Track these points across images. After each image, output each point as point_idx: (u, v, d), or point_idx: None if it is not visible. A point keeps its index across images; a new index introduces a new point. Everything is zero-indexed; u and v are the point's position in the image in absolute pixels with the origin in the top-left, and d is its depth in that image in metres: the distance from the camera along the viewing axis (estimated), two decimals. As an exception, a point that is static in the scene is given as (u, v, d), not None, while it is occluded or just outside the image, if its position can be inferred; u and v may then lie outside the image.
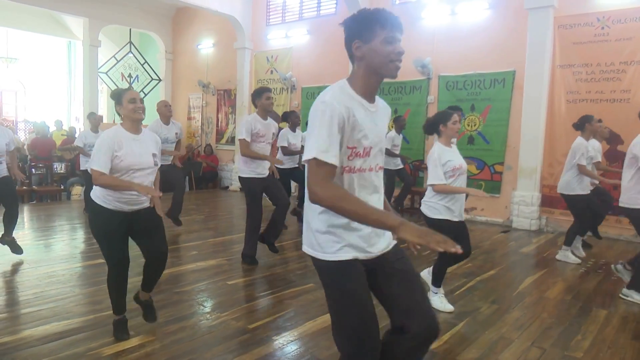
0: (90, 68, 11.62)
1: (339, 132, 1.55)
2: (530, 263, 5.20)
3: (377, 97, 1.72)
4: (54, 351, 2.69)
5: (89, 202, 2.88)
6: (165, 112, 5.75)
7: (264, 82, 10.75)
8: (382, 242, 1.73)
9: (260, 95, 4.43)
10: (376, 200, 1.73)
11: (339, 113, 1.54)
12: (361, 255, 1.68)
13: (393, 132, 7.21)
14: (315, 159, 1.51)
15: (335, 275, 1.68)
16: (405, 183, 7.58)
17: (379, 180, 1.75)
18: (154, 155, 2.84)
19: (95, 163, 2.65)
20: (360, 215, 1.50)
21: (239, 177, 4.62)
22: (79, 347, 2.75)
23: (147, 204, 2.84)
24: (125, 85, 11.98)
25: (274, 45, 10.52)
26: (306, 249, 1.74)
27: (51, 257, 4.81)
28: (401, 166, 7.49)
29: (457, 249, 1.35)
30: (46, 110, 15.19)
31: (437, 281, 3.56)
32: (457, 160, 3.39)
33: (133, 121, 2.78)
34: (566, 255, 5.13)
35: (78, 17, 11.72)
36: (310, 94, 9.83)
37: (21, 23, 12.82)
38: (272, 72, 10.56)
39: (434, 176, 3.32)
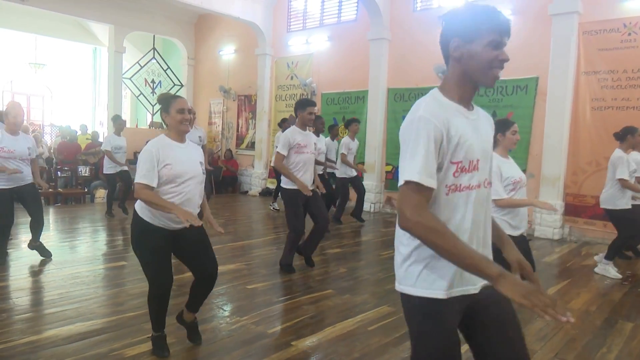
0: (115, 74, 11.89)
1: (437, 150, 1.36)
2: (553, 273, 5.10)
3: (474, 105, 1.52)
4: (78, 351, 2.74)
5: (134, 217, 2.67)
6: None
7: (284, 88, 10.84)
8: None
9: (304, 108, 4.36)
10: (482, 222, 1.48)
11: (434, 127, 1.35)
12: (457, 291, 1.43)
13: (347, 138, 7.17)
14: (415, 182, 1.32)
15: (423, 316, 1.45)
16: (358, 193, 7.50)
17: (486, 198, 1.50)
18: (201, 163, 2.71)
19: (139, 176, 2.51)
20: (453, 255, 1.28)
21: (281, 187, 4.55)
22: (102, 347, 2.80)
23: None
24: (148, 91, 12.21)
25: (295, 52, 10.59)
26: (396, 285, 1.51)
27: (75, 258, 4.91)
28: (355, 174, 7.36)
29: (569, 318, 1.15)
30: (72, 114, 15.57)
31: None
32: (516, 173, 3.22)
33: (179, 132, 2.64)
34: (606, 270, 4.90)
35: (104, 24, 12.03)
36: (330, 100, 9.86)
37: (49, 30, 13.20)
38: (292, 78, 10.63)
39: (494, 191, 3.06)
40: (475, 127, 1.46)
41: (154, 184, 2.52)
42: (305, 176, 4.42)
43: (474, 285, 1.45)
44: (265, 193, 10.74)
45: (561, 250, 6.16)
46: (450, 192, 1.41)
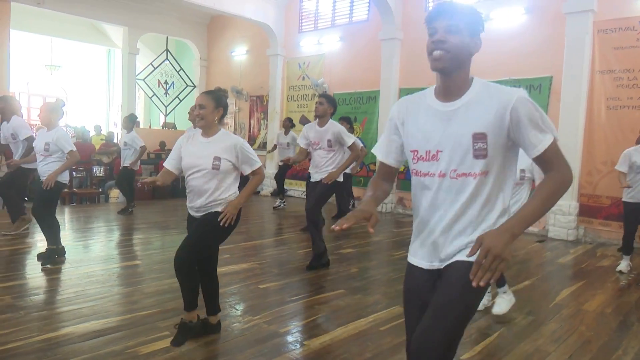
0: (129, 75, 12.03)
1: (394, 133, 1.68)
2: (567, 274, 5.05)
3: (474, 91, 1.51)
4: (94, 348, 2.78)
5: None
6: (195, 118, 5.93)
7: (295, 89, 10.86)
8: (434, 255, 1.61)
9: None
10: (447, 207, 1.54)
11: (391, 117, 1.68)
12: (416, 261, 1.65)
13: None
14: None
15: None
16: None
17: (456, 188, 1.52)
18: (216, 158, 2.75)
19: (167, 160, 2.94)
20: None
21: None
22: (117, 345, 2.84)
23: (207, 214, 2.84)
24: (161, 92, 12.32)
25: (306, 52, 10.62)
26: None
27: (90, 257, 4.97)
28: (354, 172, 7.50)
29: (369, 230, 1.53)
30: (86, 115, 15.77)
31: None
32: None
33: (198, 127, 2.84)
34: None
35: (118, 26, 12.18)
36: (342, 100, 9.85)
37: (65, 32, 13.40)
38: (304, 78, 10.66)
39: None
40: (447, 118, 1.53)
41: (170, 168, 2.89)
42: (314, 169, 4.59)
43: (428, 261, 1.62)
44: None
45: (576, 252, 6.09)
46: (413, 175, 1.63)
